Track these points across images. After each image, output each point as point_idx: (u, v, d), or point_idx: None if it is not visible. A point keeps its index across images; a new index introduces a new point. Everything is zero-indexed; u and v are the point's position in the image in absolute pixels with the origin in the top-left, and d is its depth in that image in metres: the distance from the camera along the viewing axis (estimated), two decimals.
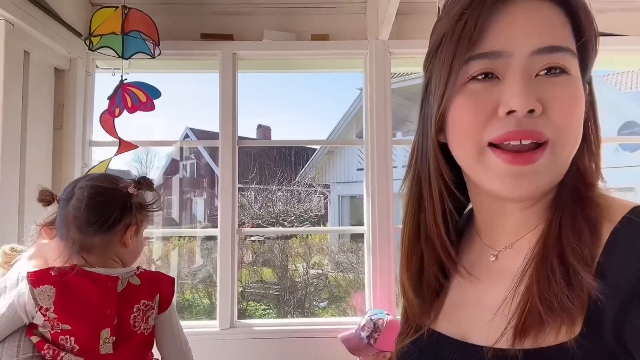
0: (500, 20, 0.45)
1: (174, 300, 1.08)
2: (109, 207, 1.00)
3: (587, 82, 0.49)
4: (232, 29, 2.04)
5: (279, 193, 9.75)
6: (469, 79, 0.46)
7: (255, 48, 2.02)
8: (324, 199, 11.20)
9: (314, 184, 10.69)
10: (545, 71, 0.44)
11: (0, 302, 0.96)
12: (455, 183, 0.53)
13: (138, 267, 1.06)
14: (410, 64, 2.16)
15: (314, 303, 7.21)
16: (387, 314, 1.73)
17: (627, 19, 2.05)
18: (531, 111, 0.43)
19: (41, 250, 1.07)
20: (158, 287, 1.04)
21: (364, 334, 1.65)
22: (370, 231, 1.97)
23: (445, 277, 0.56)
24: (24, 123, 1.69)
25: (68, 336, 0.93)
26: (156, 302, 1.03)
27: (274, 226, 8.62)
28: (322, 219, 10.04)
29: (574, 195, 0.47)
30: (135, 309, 0.99)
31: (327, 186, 11.16)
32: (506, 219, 0.51)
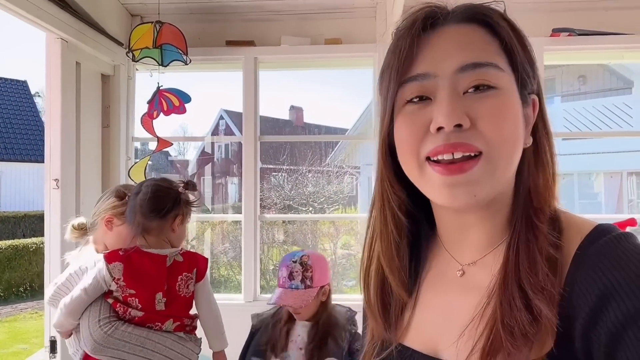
0: (427, 46, 0.48)
1: (208, 273, 1.42)
2: (165, 200, 1.35)
3: (535, 94, 0.51)
4: (253, 35, 2.26)
5: (309, 175, 10.00)
6: (406, 102, 0.49)
7: (274, 53, 2.24)
8: (354, 181, 11.36)
9: (343, 166, 10.86)
10: (473, 88, 0.46)
11: (86, 278, 1.31)
12: (417, 201, 0.55)
13: (182, 248, 1.39)
14: None
15: (342, 282, 7.49)
16: (302, 249, 1.65)
17: (632, 18, 2.11)
18: (459, 125, 0.45)
19: (101, 239, 1.41)
20: (196, 263, 1.37)
21: (296, 282, 1.39)
22: None
23: (410, 292, 0.57)
24: (77, 124, 1.99)
25: (134, 298, 1.29)
26: (194, 274, 1.36)
27: (305, 207, 8.90)
28: (352, 201, 10.24)
29: (527, 222, 0.48)
30: (179, 279, 1.33)
31: (357, 168, 11.30)
32: (467, 233, 0.52)
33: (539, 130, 0.51)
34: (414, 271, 0.57)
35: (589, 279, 0.42)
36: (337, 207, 9.43)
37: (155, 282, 1.30)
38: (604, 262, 0.42)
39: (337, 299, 2.31)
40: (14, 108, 16.33)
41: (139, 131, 2.29)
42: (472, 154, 0.45)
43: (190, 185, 1.42)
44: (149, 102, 2.01)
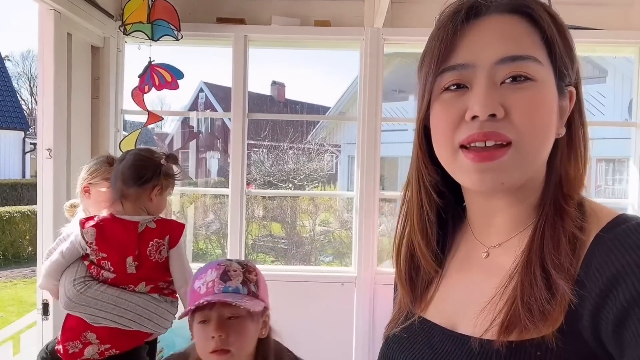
0: (469, 35, 0.49)
1: (182, 240, 1.45)
2: (144, 169, 1.42)
3: (573, 86, 0.51)
4: (244, 13, 2.29)
5: (290, 151, 10.03)
6: (443, 89, 0.50)
7: (264, 32, 2.28)
8: (335, 159, 11.46)
9: (324, 144, 10.92)
10: (511, 79, 0.47)
11: (64, 243, 1.42)
12: (449, 183, 0.57)
13: (159, 216, 1.44)
14: (402, 48, 2.40)
15: (320, 257, 7.68)
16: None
17: (603, 14, 2.25)
18: (493, 115, 0.47)
19: (85, 206, 1.53)
20: (169, 230, 1.42)
21: (235, 284, 0.96)
22: (358, 196, 2.30)
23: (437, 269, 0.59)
24: (68, 94, 2.01)
25: (106, 261, 1.38)
26: (166, 240, 1.40)
27: (284, 183, 8.99)
28: (331, 179, 10.36)
29: (555, 205, 0.49)
30: (150, 244, 1.38)
31: (337, 146, 11.39)
32: (495, 218, 0.54)
33: (575, 121, 0.52)
34: (441, 251, 0.59)
35: (603, 262, 0.43)
36: (316, 184, 9.54)
37: (125, 247, 1.37)
38: (619, 246, 0.43)
39: (310, 269, 2.44)
40: None
41: (128, 104, 2.33)
42: (503, 143, 0.47)
43: (171, 158, 1.46)
44: (140, 76, 2.05)
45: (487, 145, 0.47)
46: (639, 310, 0.39)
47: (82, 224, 1.38)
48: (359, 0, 2.30)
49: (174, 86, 2.04)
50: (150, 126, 2.25)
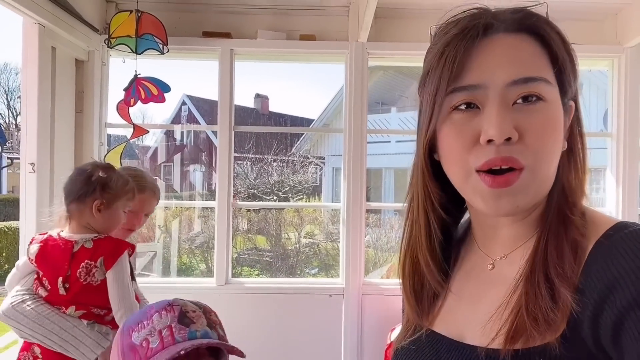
0: (479, 55, 0.48)
1: (122, 263, 1.32)
2: (78, 184, 1.34)
3: (572, 99, 0.52)
4: (230, 27, 2.32)
5: (275, 164, 10.04)
6: (453, 108, 0.50)
7: (250, 45, 2.31)
8: (319, 171, 11.50)
9: (309, 156, 10.96)
10: (522, 99, 0.47)
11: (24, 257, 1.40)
12: (451, 197, 0.57)
13: (97, 235, 1.33)
14: (386, 62, 2.46)
15: (305, 270, 7.65)
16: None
17: (580, 29, 2.34)
18: (508, 139, 0.47)
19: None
20: (104, 251, 1.30)
21: (201, 328, 0.77)
22: (345, 207, 2.32)
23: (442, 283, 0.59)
24: (52, 108, 1.99)
25: (44, 278, 1.33)
26: (100, 262, 1.30)
27: (269, 196, 8.97)
28: (316, 190, 10.38)
29: (559, 215, 0.50)
30: (80, 266, 1.30)
31: (321, 158, 11.44)
32: (500, 231, 0.55)
33: (574, 132, 0.52)
34: (446, 263, 0.60)
35: (601, 269, 0.44)
36: (301, 196, 9.55)
37: (57, 267, 1.31)
38: (616, 253, 0.44)
39: (295, 282, 2.43)
40: None
41: (112, 117, 2.31)
42: (512, 170, 0.47)
43: (106, 169, 1.37)
44: (125, 90, 2.04)
45: (502, 168, 0.47)
46: (635, 314, 0.40)
47: (32, 239, 1.37)
48: (343, 16, 2.35)
49: (160, 99, 2.04)
50: (132, 140, 2.23)
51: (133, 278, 1.39)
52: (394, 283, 2.44)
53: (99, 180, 1.33)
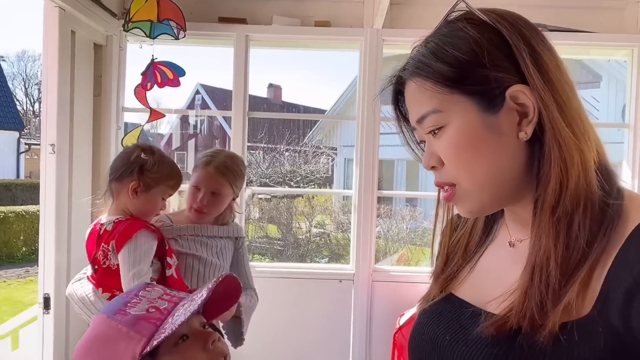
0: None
1: (130, 246, 1.26)
2: (119, 162, 1.36)
3: (527, 82, 0.50)
4: (245, 12, 2.33)
5: (287, 153, 10.06)
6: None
7: (265, 32, 2.32)
8: (331, 162, 11.50)
9: (321, 146, 10.97)
10: (431, 134, 0.56)
11: None
12: None
13: (120, 217, 1.32)
14: (401, 50, 2.44)
15: (315, 259, 7.70)
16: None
17: (598, 17, 2.30)
18: (434, 167, 0.57)
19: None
20: (115, 234, 1.28)
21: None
22: (356, 193, 2.34)
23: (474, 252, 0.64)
24: (72, 91, 2.02)
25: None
26: (112, 246, 1.28)
27: (280, 185, 9.03)
28: (327, 181, 10.40)
29: (553, 206, 0.50)
30: (99, 249, 1.30)
31: (334, 149, 11.43)
32: (517, 216, 0.59)
33: (544, 116, 0.50)
34: (486, 233, 0.65)
35: (638, 252, 0.45)
36: (312, 186, 9.58)
37: (89, 250, 1.33)
38: None
39: (305, 266, 2.48)
40: None
41: (129, 102, 2.35)
42: (449, 187, 0.56)
43: (145, 151, 1.35)
44: (142, 74, 2.07)
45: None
46: None
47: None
48: (358, 2, 2.34)
49: (175, 83, 2.07)
50: (147, 128, 2.27)
51: (163, 260, 1.34)
52: (404, 270, 2.47)
53: (138, 162, 1.32)
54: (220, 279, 0.67)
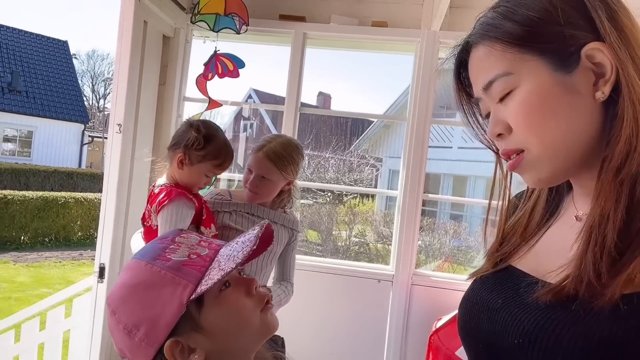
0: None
1: (169, 210, 1.34)
2: (176, 134, 1.47)
3: (603, 40, 0.48)
4: (305, 11, 2.40)
5: (332, 161, 10.13)
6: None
7: (323, 30, 2.38)
8: (375, 172, 11.45)
9: (366, 156, 10.96)
10: (499, 100, 0.54)
11: None
12: None
13: (165, 184, 1.42)
14: None
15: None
16: None
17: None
18: (500, 135, 0.55)
19: None
20: (157, 197, 1.38)
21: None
22: (401, 194, 2.33)
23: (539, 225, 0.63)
24: (140, 77, 2.17)
25: None
26: (153, 208, 1.39)
27: (323, 192, 9.09)
28: (371, 193, 10.35)
29: (618, 170, 0.48)
30: (146, 209, 1.44)
31: (379, 159, 11.39)
32: (580, 189, 0.58)
33: (621, 74, 0.48)
34: (552, 208, 0.63)
35: None
36: (355, 195, 9.57)
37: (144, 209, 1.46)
38: None
39: (345, 263, 2.49)
40: (53, 67, 16.87)
41: (190, 92, 2.48)
42: (517, 153, 0.54)
43: (194, 127, 1.42)
44: (205, 64, 2.19)
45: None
46: None
47: None
48: (417, 4, 2.36)
49: (235, 75, 2.16)
50: (204, 117, 2.38)
51: (198, 228, 1.41)
52: (446, 277, 2.42)
53: (187, 137, 1.40)
54: (264, 226, 0.65)
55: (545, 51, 0.50)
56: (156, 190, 1.41)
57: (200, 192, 1.53)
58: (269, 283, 1.65)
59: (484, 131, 0.62)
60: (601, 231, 0.48)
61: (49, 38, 17.42)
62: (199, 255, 0.62)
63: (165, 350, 0.58)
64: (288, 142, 1.58)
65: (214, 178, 1.59)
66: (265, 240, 0.68)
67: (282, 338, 1.39)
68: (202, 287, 0.57)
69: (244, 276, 0.67)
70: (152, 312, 0.58)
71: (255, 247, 0.61)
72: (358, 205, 9.38)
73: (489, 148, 0.62)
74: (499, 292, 0.57)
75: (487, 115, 0.58)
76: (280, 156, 1.51)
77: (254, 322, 0.63)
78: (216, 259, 0.62)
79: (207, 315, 0.60)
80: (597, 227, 0.48)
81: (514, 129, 0.53)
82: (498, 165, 0.62)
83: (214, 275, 0.58)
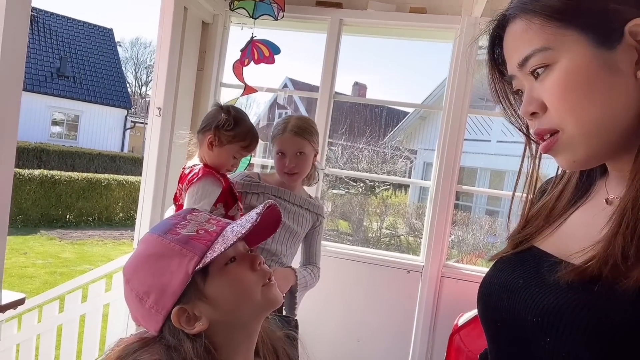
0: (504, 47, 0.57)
1: (197, 187, 1.39)
2: (207, 117, 1.52)
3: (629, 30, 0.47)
4: None
5: (365, 151, 10.07)
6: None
7: (359, 16, 2.36)
8: (409, 164, 11.29)
9: (400, 147, 10.82)
10: (534, 75, 0.52)
11: None
12: None
13: (196, 165, 1.48)
14: None
15: None
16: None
17: None
18: (535, 113, 0.53)
19: None
20: (187, 176, 1.46)
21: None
22: (434, 185, 2.30)
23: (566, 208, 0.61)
24: (179, 63, 2.23)
25: None
26: (184, 187, 1.45)
27: (355, 182, 9.07)
28: (403, 183, 10.23)
29: None
30: (177, 189, 1.51)
31: (413, 151, 11.22)
32: (614, 173, 0.56)
33: None
34: (582, 190, 0.61)
35: None
36: (387, 186, 9.49)
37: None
38: None
39: (374, 252, 2.49)
40: (99, 53, 17.52)
41: (227, 78, 2.53)
42: (550, 134, 0.52)
43: (224, 110, 1.47)
44: (242, 50, 2.22)
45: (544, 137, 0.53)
46: None
47: None
48: None
49: (270, 61, 2.19)
50: (240, 103, 2.42)
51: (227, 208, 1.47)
52: (477, 270, 2.37)
53: (217, 119, 1.46)
54: (268, 205, 0.68)
55: (587, 26, 0.48)
56: (186, 171, 1.50)
57: (231, 176, 1.58)
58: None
59: (515, 112, 0.60)
60: (634, 214, 0.47)
61: (95, 26, 18.09)
62: (206, 231, 0.67)
63: (172, 317, 0.62)
64: (302, 116, 1.66)
65: (241, 162, 1.64)
66: (274, 221, 0.73)
67: (296, 320, 1.41)
68: (207, 259, 0.62)
69: (250, 253, 0.71)
70: (161, 281, 0.62)
71: (256, 222, 0.65)
72: (390, 197, 9.31)
73: (519, 129, 0.61)
74: (520, 272, 0.57)
75: (517, 92, 0.57)
76: (304, 129, 1.58)
77: (256, 295, 0.67)
78: (222, 234, 0.66)
79: (212, 285, 0.65)
80: (630, 210, 0.47)
81: (549, 107, 0.51)
82: (527, 147, 0.61)
83: (218, 248, 0.63)
